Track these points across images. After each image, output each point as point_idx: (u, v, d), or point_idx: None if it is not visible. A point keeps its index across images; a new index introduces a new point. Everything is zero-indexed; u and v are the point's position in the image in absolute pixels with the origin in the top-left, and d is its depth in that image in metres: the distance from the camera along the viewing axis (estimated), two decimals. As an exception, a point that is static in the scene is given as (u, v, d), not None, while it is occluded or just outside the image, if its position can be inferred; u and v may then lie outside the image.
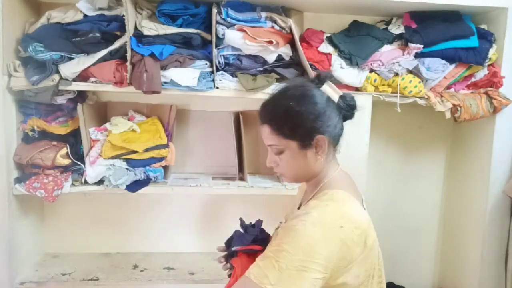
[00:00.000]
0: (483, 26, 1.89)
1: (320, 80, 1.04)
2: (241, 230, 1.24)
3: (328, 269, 0.88)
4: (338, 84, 1.83)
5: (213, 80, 1.77)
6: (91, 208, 2.10)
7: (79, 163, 1.79)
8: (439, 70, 1.83)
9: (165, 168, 1.89)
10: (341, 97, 1.03)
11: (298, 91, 1.01)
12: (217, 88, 1.78)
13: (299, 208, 1.13)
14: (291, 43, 1.78)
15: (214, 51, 1.74)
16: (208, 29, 1.76)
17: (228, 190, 1.89)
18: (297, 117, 0.98)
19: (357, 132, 1.82)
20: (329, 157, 1.05)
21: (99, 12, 1.71)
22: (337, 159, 1.09)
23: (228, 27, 1.73)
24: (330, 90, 1.02)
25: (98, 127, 1.84)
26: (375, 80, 1.83)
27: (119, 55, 1.73)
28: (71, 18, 1.71)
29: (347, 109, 1.03)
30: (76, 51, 1.71)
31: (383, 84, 1.84)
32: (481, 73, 1.88)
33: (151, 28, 1.69)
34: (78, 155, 1.81)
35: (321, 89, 1.02)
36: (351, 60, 1.79)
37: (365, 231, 0.95)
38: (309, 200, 1.03)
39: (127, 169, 1.79)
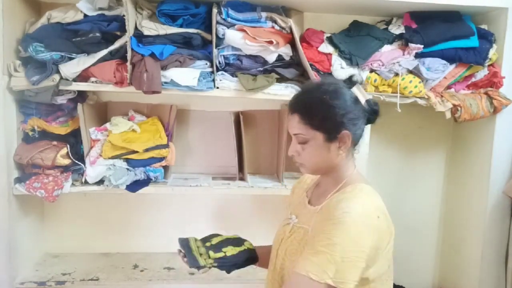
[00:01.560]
0: (483, 26, 1.89)
1: (351, 82, 1.10)
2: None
3: (370, 258, 0.94)
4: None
5: (213, 80, 1.77)
6: (91, 208, 2.10)
7: (79, 163, 1.79)
8: (439, 70, 1.83)
9: (165, 168, 1.89)
10: (367, 101, 1.08)
11: (331, 86, 1.06)
12: (217, 88, 1.78)
13: (309, 203, 1.15)
14: (291, 43, 1.78)
15: (214, 51, 1.74)
16: (208, 29, 1.76)
17: (228, 190, 1.89)
18: (328, 110, 1.02)
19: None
20: (349, 155, 1.09)
21: (100, 12, 1.71)
22: (355, 159, 1.12)
23: (228, 27, 1.73)
24: (359, 92, 1.07)
25: (98, 127, 1.84)
26: (375, 80, 1.83)
27: (120, 55, 1.73)
28: (71, 18, 1.71)
29: (370, 113, 1.08)
30: (77, 51, 1.71)
31: (383, 84, 1.84)
32: (481, 73, 1.89)
33: (151, 28, 1.69)
34: (78, 155, 1.81)
35: (351, 89, 1.07)
36: (351, 60, 1.79)
37: (390, 222, 1.03)
38: (334, 193, 1.06)
39: (127, 169, 1.79)
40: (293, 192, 1.31)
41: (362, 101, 1.06)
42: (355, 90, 1.07)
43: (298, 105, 1.07)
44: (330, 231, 0.93)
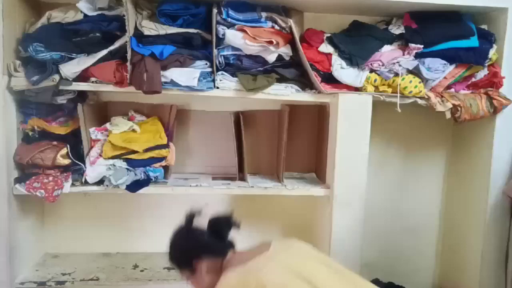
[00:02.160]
0: (484, 26, 1.89)
1: (190, 219, 1.32)
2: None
3: None
4: (339, 84, 1.83)
5: (213, 80, 1.77)
6: (91, 208, 2.10)
7: (79, 163, 1.79)
8: (439, 70, 1.83)
9: (166, 168, 1.89)
10: (211, 221, 1.29)
11: (178, 232, 1.33)
12: (217, 88, 1.78)
13: None
14: (291, 43, 1.78)
15: (215, 51, 1.74)
16: (209, 29, 1.76)
17: (228, 190, 1.89)
18: (176, 254, 1.31)
19: (357, 132, 1.82)
20: (217, 267, 1.25)
21: (100, 12, 1.71)
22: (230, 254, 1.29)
23: (228, 27, 1.73)
24: (200, 223, 1.28)
25: (98, 127, 1.84)
26: (375, 80, 1.83)
27: (120, 55, 1.73)
28: (71, 18, 1.71)
29: (218, 232, 1.28)
30: (77, 51, 1.71)
31: (383, 84, 1.84)
32: (481, 73, 1.89)
33: (151, 28, 1.69)
34: (78, 155, 1.81)
35: (194, 223, 1.28)
36: (351, 60, 1.79)
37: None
38: None
39: (127, 169, 1.79)
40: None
41: (204, 222, 1.28)
42: (197, 221, 1.29)
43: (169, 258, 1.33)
44: None
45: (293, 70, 1.81)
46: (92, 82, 1.74)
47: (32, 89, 1.69)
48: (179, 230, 1.32)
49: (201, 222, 1.28)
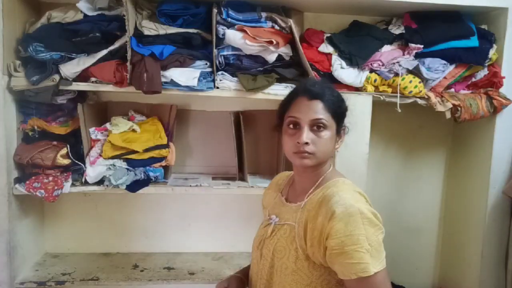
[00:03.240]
0: (483, 26, 1.89)
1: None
2: None
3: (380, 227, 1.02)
4: (339, 84, 1.83)
5: (213, 80, 1.77)
6: (91, 208, 2.10)
7: (79, 163, 1.79)
8: (439, 70, 1.83)
9: (165, 168, 1.89)
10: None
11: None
12: (217, 88, 1.78)
13: (287, 201, 1.18)
14: (291, 43, 1.78)
15: (214, 51, 1.74)
16: (208, 29, 1.76)
17: (228, 190, 1.89)
18: (344, 105, 1.14)
19: (357, 132, 1.82)
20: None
21: (99, 12, 1.71)
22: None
23: (228, 27, 1.73)
24: None
25: (98, 127, 1.84)
26: (375, 80, 1.83)
27: (120, 55, 1.73)
28: (71, 18, 1.71)
29: None
30: (77, 51, 1.71)
31: (383, 84, 1.84)
32: (481, 73, 1.89)
33: (151, 28, 1.69)
34: (78, 155, 1.81)
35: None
36: (351, 60, 1.79)
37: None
38: (314, 190, 1.10)
39: (127, 169, 1.79)
40: (265, 195, 1.36)
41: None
42: None
43: (321, 93, 1.09)
44: (344, 229, 0.95)
45: (293, 70, 1.81)
46: (92, 82, 1.74)
47: (32, 89, 1.69)
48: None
49: None
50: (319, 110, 1.06)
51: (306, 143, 1.05)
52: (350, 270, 0.95)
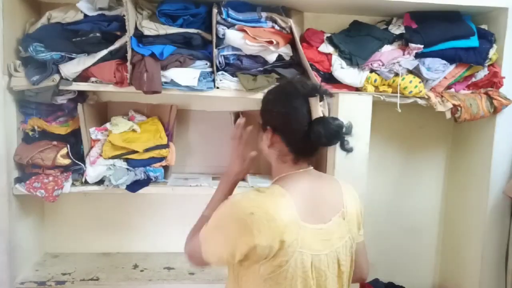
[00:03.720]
0: (483, 26, 1.89)
1: (315, 91, 1.05)
2: None
3: (232, 245, 0.98)
4: (339, 84, 1.83)
5: (213, 80, 1.78)
6: (91, 208, 2.10)
7: (80, 163, 1.79)
8: (440, 70, 1.83)
9: (166, 168, 1.89)
10: (320, 120, 1.02)
11: (280, 85, 1.16)
12: (218, 88, 1.78)
13: None
14: (292, 43, 1.79)
15: (215, 51, 1.74)
16: (209, 29, 1.76)
17: (228, 190, 1.88)
18: (268, 103, 1.12)
19: (357, 132, 1.80)
20: (284, 159, 1.09)
21: (100, 12, 1.71)
22: (303, 168, 1.10)
23: (228, 27, 1.73)
24: (314, 106, 1.03)
25: (98, 127, 1.84)
26: (375, 80, 1.83)
27: (120, 55, 1.73)
28: (71, 18, 1.71)
29: (316, 134, 1.00)
30: (77, 51, 1.71)
31: (384, 84, 1.84)
32: (482, 73, 1.89)
33: (151, 28, 1.69)
34: (78, 155, 1.81)
35: (309, 98, 1.03)
36: (352, 60, 1.79)
37: (280, 228, 0.97)
38: None
39: (127, 169, 1.79)
40: None
41: (315, 115, 1.02)
42: (313, 101, 1.03)
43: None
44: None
45: (293, 70, 1.81)
46: (92, 82, 1.74)
47: (32, 89, 1.70)
48: (294, 90, 1.06)
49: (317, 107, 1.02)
50: None
51: None
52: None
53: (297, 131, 1.03)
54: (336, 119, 1.04)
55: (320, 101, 1.05)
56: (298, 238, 0.98)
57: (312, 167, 1.13)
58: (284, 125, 1.05)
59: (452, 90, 1.91)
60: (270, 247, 0.96)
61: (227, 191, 1.24)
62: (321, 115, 1.03)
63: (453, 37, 1.81)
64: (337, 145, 1.09)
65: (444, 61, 1.82)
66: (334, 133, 1.02)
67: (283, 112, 1.05)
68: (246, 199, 1.00)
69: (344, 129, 1.05)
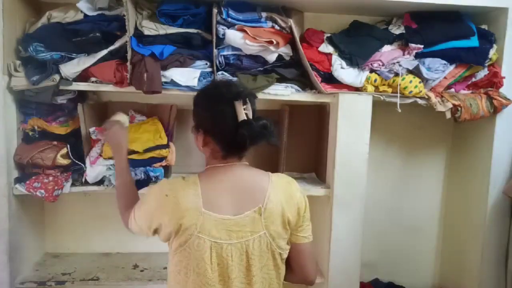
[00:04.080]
0: (484, 26, 1.89)
1: (238, 95, 1.11)
2: None
3: (152, 220, 1.16)
4: (339, 84, 1.83)
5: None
6: (91, 208, 2.10)
7: (80, 163, 1.79)
8: (440, 70, 1.83)
9: (166, 168, 1.89)
10: (244, 123, 1.08)
11: (208, 89, 1.23)
12: (218, 88, 1.78)
13: None
14: (292, 43, 1.78)
15: (215, 51, 1.74)
16: (209, 29, 1.76)
17: (228, 190, 1.88)
18: (197, 106, 1.18)
19: (357, 132, 1.82)
20: (213, 153, 1.18)
21: (100, 12, 1.71)
22: (231, 163, 1.17)
23: (228, 27, 1.73)
24: (238, 110, 1.10)
25: (98, 127, 1.84)
26: (375, 80, 1.83)
27: (120, 55, 1.73)
28: (71, 18, 1.71)
29: (241, 136, 1.08)
30: (77, 51, 1.71)
31: (384, 84, 1.84)
32: (482, 73, 1.88)
33: (151, 28, 1.69)
34: (78, 155, 1.81)
35: (234, 102, 1.10)
36: (352, 60, 1.79)
37: (180, 212, 1.10)
38: None
39: (127, 169, 1.79)
40: None
41: (240, 118, 1.09)
42: (237, 107, 1.09)
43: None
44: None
45: (293, 70, 1.81)
46: (92, 82, 1.74)
47: (32, 89, 1.70)
48: (218, 93, 1.14)
49: (239, 108, 1.10)
50: None
51: None
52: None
53: (225, 133, 1.12)
54: (260, 119, 1.12)
55: (244, 104, 1.10)
56: (198, 224, 1.10)
57: (245, 162, 1.20)
58: (213, 127, 1.14)
59: (452, 90, 1.91)
60: (171, 227, 1.11)
61: (119, 162, 1.49)
62: (245, 118, 1.09)
63: (453, 37, 1.81)
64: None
65: (444, 61, 1.82)
66: (258, 134, 1.10)
67: (210, 115, 1.14)
68: (167, 183, 1.17)
69: (269, 127, 1.12)
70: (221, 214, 1.11)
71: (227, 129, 1.10)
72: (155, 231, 1.17)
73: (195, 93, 1.72)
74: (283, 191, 1.18)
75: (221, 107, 1.11)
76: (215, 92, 1.16)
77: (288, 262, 1.24)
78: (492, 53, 1.84)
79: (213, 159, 1.18)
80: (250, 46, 1.71)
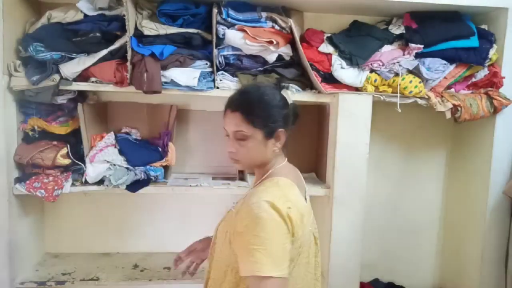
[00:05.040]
0: (484, 26, 1.89)
1: (281, 87, 1.22)
2: None
3: (289, 241, 1.05)
4: (339, 84, 1.83)
5: (213, 80, 1.77)
6: (91, 208, 2.10)
7: (80, 163, 1.79)
8: (440, 70, 1.83)
9: (166, 168, 1.89)
10: (292, 104, 1.19)
11: (270, 89, 1.18)
12: (218, 88, 1.78)
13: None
14: (292, 43, 1.79)
15: (215, 51, 1.74)
16: (209, 29, 1.76)
17: (228, 190, 1.88)
18: (268, 110, 1.13)
19: (357, 132, 1.82)
20: (281, 151, 1.20)
21: (100, 12, 1.71)
22: (284, 153, 1.22)
23: (228, 27, 1.73)
24: (289, 96, 1.18)
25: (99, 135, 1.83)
26: (375, 80, 1.83)
27: (120, 55, 1.73)
28: (71, 18, 1.71)
29: (294, 115, 1.19)
30: (77, 51, 1.71)
31: (384, 84, 1.84)
32: (482, 73, 1.89)
33: (151, 28, 1.69)
34: (78, 155, 1.81)
35: (283, 92, 1.18)
36: (352, 60, 1.79)
37: (304, 212, 1.11)
38: (255, 186, 1.19)
39: (127, 168, 1.79)
40: None
41: (290, 103, 1.17)
42: (287, 92, 1.19)
43: (240, 104, 1.13)
44: (251, 228, 1.01)
45: (293, 70, 1.81)
46: (92, 82, 1.74)
47: (32, 89, 1.70)
48: (278, 89, 1.19)
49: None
50: (238, 122, 1.12)
51: (232, 152, 1.15)
52: (248, 267, 1.00)
53: (290, 119, 1.17)
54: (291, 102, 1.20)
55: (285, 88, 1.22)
56: (310, 219, 1.17)
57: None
58: (286, 119, 1.15)
59: (452, 90, 1.91)
60: (304, 237, 1.11)
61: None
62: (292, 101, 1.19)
63: (453, 37, 1.81)
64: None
65: (444, 61, 1.82)
66: (298, 111, 1.21)
67: (282, 109, 1.15)
68: (275, 197, 1.05)
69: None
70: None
71: (290, 115, 1.17)
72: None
73: (195, 93, 1.74)
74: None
75: (278, 96, 1.16)
76: (270, 91, 1.17)
77: None
78: (492, 53, 1.84)
79: (278, 157, 1.20)
80: (250, 46, 1.71)
